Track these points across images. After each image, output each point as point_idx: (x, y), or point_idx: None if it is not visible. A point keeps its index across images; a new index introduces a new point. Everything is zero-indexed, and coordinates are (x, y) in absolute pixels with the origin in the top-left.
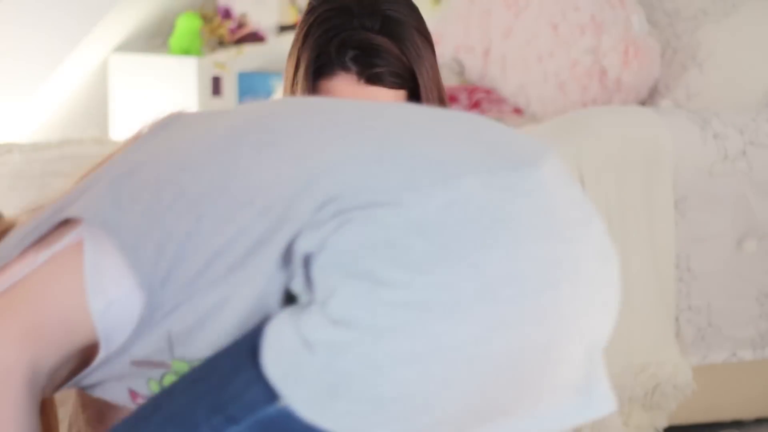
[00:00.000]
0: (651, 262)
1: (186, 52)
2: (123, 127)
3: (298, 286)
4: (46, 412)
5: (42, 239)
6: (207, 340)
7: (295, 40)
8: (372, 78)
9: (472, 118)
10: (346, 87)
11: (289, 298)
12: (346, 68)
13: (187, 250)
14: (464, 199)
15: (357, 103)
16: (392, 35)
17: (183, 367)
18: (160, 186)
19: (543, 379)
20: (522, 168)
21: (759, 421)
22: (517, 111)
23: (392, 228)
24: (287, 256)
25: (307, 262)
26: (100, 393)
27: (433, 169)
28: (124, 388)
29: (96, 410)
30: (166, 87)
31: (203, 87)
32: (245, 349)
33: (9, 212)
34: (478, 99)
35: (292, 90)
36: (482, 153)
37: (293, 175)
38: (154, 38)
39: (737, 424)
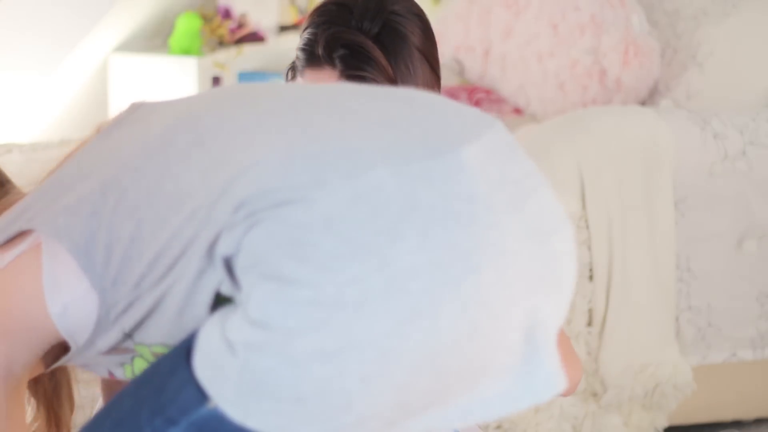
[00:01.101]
0: (651, 262)
1: (186, 52)
2: None
3: (227, 289)
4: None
5: (3, 243)
6: (153, 331)
7: (303, 26)
8: (354, 80)
9: (411, 99)
10: (328, 81)
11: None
12: (332, 64)
13: (132, 253)
14: (372, 191)
15: (285, 88)
16: (387, 46)
17: (145, 351)
18: (105, 188)
19: (471, 367)
20: (442, 154)
21: (759, 421)
22: (517, 111)
23: (299, 226)
24: (210, 259)
25: (228, 264)
26: (87, 370)
27: (343, 161)
28: (104, 369)
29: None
30: (166, 87)
31: (203, 87)
32: (182, 351)
33: None
34: (478, 99)
35: (287, 77)
36: (401, 139)
37: (215, 177)
38: (154, 38)
39: (737, 424)
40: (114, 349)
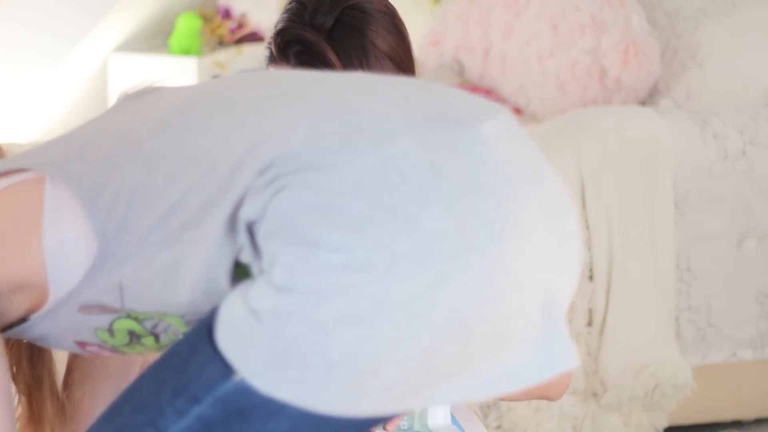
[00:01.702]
0: (651, 262)
1: (186, 52)
2: None
3: (246, 256)
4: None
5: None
6: (156, 297)
7: None
8: None
9: (420, 83)
10: None
11: (239, 276)
12: (287, 61)
13: (141, 202)
14: (400, 158)
15: (302, 72)
16: (341, 41)
17: (135, 314)
18: (121, 142)
19: (494, 335)
20: (463, 127)
21: (759, 421)
22: (517, 111)
23: (327, 191)
24: (233, 223)
25: (251, 230)
26: (45, 345)
27: (370, 129)
28: (70, 340)
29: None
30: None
31: None
32: (202, 329)
33: None
34: None
35: None
36: (423, 113)
37: (238, 140)
38: (154, 38)
39: (737, 424)
40: (96, 307)
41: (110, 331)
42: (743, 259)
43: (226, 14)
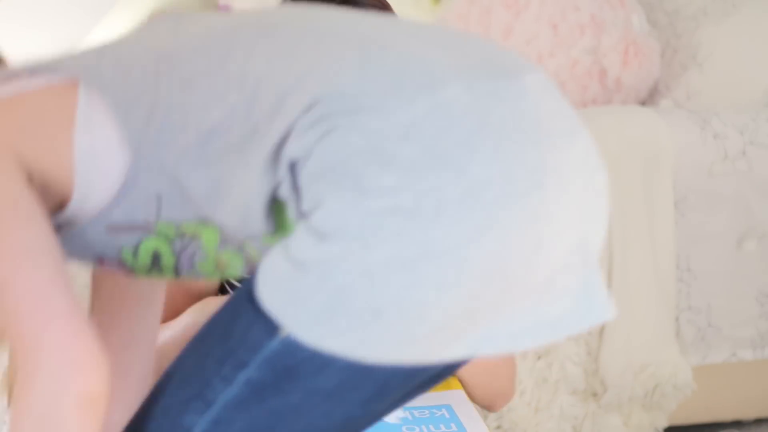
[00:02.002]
0: (651, 262)
1: None
2: None
3: (285, 192)
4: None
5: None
6: (195, 209)
7: None
8: None
9: (460, 32)
10: None
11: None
12: None
13: (177, 119)
14: (448, 105)
15: (351, 13)
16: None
17: (168, 231)
18: (158, 58)
19: (536, 282)
20: (508, 76)
21: (759, 421)
22: None
23: (377, 134)
24: (275, 157)
25: (293, 169)
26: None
27: (419, 74)
28: (89, 255)
29: None
30: None
31: None
32: (241, 295)
33: None
34: None
35: None
36: (468, 61)
37: (284, 69)
38: None
39: (737, 424)
40: (126, 227)
41: (135, 251)
42: (743, 259)
43: None
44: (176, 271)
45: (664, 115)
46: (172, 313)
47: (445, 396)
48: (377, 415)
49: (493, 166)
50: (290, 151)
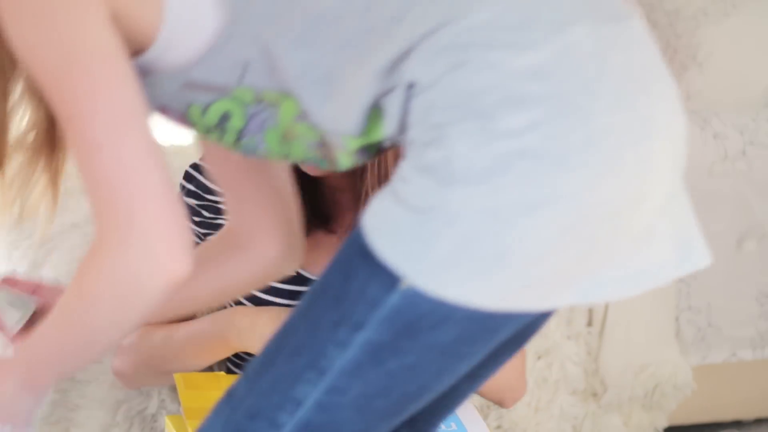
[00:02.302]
0: None
1: None
2: None
3: (391, 106)
4: None
5: None
6: (283, 82)
7: None
8: None
9: None
10: None
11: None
12: None
13: None
14: (573, 48)
15: None
16: None
17: (246, 96)
18: None
19: (640, 228)
20: (620, 20)
21: (759, 421)
22: None
23: (509, 74)
24: (392, 68)
25: (410, 89)
26: None
27: (549, 12)
28: (153, 104)
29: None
30: None
31: None
32: (350, 251)
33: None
34: None
35: None
36: (586, 2)
37: None
38: None
39: (737, 424)
40: (203, 86)
41: (205, 110)
42: (743, 259)
43: None
44: (239, 135)
45: None
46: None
47: None
48: (477, 377)
49: (613, 115)
50: (411, 71)
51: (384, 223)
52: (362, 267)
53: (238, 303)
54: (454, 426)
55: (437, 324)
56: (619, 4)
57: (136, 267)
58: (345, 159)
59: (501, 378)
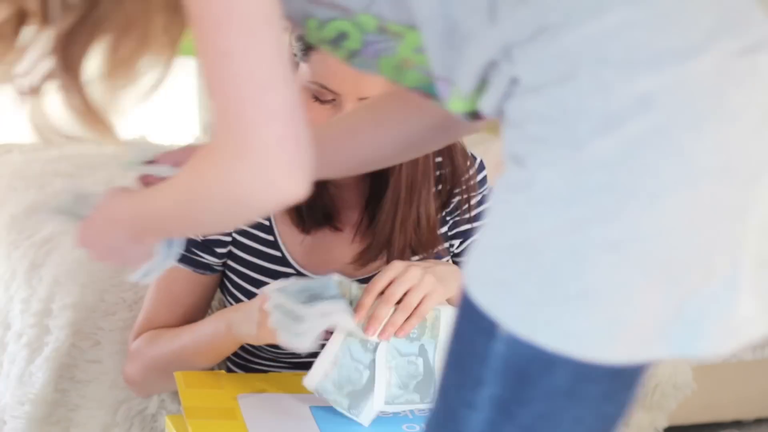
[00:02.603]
0: None
1: (186, 52)
2: (123, 127)
3: (495, 90)
4: None
5: None
6: (408, 19)
7: None
8: None
9: None
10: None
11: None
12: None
13: None
14: (693, 79)
15: None
16: None
17: (369, 24)
18: None
19: (733, 276)
20: (754, 50)
21: (759, 421)
22: None
23: (615, 96)
24: (507, 50)
25: (514, 84)
26: None
27: (677, 32)
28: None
29: None
30: (166, 87)
31: (203, 87)
32: (460, 307)
33: (8, 213)
34: None
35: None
36: (724, 14)
37: None
38: None
39: (737, 424)
40: (328, 3)
41: (323, 25)
42: None
43: None
44: (352, 55)
45: None
46: None
47: None
48: (628, 406)
49: (717, 156)
50: (520, 64)
51: (475, 265)
52: (467, 318)
53: (238, 302)
54: None
55: (547, 367)
56: (758, 24)
57: (248, 181)
58: (455, 102)
59: None
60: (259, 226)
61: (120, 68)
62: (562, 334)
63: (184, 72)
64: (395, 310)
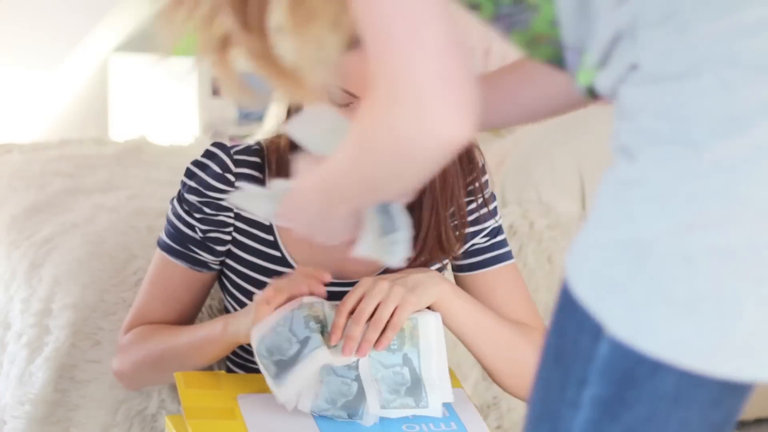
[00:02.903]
0: None
1: (186, 52)
2: (123, 127)
3: (612, 71)
4: None
5: None
6: None
7: None
8: None
9: None
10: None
11: None
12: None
13: None
14: None
15: None
16: None
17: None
18: None
19: None
20: None
21: (759, 421)
22: None
23: (740, 100)
24: (633, 29)
25: (632, 70)
26: None
27: None
28: None
29: None
30: (166, 87)
31: (203, 87)
32: (560, 305)
33: (8, 213)
34: None
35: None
36: None
37: None
38: (154, 38)
39: (737, 424)
40: None
41: None
42: None
43: None
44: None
45: None
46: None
47: None
48: (736, 413)
49: None
50: (642, 48)
51: (580, 260)
52: (571, 318)
53: (238, 302)
54: (454, 426)
55: (653, 371)
56: None
57: (406, 127)
58: (583, 74)
59: (529, 364)
60: (259, 226)
61: (303, 21)
62: (666, 341)
63: (184, 72)
64: (368, 327)
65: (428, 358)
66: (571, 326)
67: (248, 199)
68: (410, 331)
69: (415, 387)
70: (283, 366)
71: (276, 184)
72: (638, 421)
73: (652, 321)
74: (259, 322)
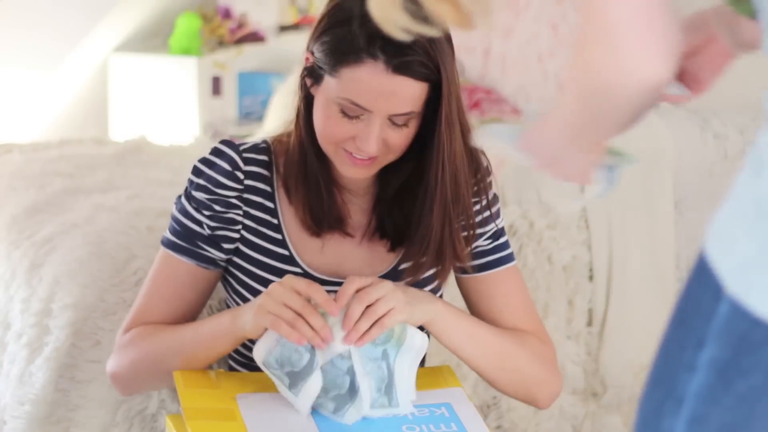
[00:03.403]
0: (651, 262)
1: (186, 52)
2: (123, 127)
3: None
4: None
5: None
6: None
7: (316, 28)
8: (400, 67)
9: None
10: (372, 76)
11: None
12: (374, 56)
13: None
14: None
15: None
16: None
17: None
18: None
19: None
20: None
21: None
22: (517, 111)
23: None
24: None
25: None
26: None
27: None
28: None
29: None
30: (166, 87)
31: (203, 87)
32: (694, 268)
33: (8, 213)
34: (478, 99)
35: (304, 81)
36: None
37: None
38: (154, 38)
39: None
40: None
41: None
42: None
43: (226, 14)
44: None
45: (664, 116)
46: None
47: (445, 394)
48: None
49: None
50: None
51: (715, 219)
52: (699, 278)
53: (243, 299)
54: (454, 426)
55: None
56: None
57: (603, 65)
58: None
59: (525, 370)
60: (268, 224)
61: None
62: None
63: (184, 72)
64: (361, 316)
65: (403, 358)
66: (698, 286)
67: (493, 136)
68: (399, 334)
69: (389, 384)
70: (297, 377)
71: (523, 117)
72: (752, 392)
73: (762, 280)
74: (260, 338)
